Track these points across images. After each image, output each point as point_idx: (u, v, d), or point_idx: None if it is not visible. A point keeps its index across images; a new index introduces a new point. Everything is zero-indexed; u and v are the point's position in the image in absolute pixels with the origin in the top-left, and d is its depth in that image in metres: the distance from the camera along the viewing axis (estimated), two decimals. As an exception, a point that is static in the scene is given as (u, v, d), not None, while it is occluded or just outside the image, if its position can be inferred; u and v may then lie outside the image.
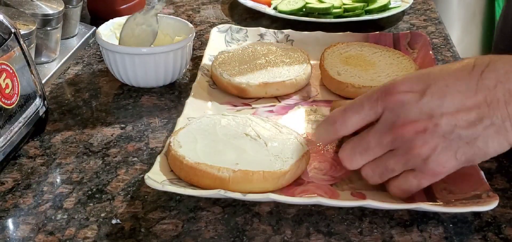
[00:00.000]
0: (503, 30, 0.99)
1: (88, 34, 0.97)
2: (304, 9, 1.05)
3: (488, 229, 0.56)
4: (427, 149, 0.52)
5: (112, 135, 0.71)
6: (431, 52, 0.83)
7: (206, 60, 0.83)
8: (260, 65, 0.80)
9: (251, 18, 1.08)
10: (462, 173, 0.60)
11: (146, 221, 0.56)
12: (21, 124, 0.64)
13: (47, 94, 0.76)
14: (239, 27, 0.92)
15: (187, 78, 0.85)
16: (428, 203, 0.56)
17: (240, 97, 0.77)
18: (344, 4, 1.06)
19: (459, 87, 0.52)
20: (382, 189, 0.60)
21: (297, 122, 0.72)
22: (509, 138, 0.51)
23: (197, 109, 0.72)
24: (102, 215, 0.57)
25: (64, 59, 0.88)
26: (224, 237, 0.55)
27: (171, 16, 0.88)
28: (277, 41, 0.90)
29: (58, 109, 0.76)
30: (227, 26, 0.92)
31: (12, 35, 0.64)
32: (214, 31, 0.91)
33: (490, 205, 0.54)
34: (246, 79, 0.76)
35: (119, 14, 0.93)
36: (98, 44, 0.83)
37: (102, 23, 0.84)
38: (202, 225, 0.56)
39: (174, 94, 0.81)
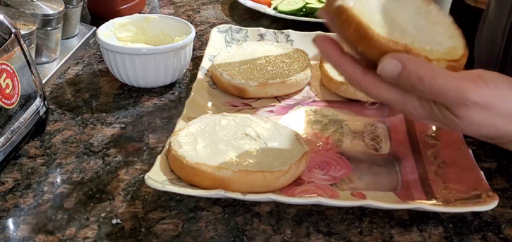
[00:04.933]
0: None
1: (88, 34, 0.97)
2: (304, 9, 1.05)
3: (488, 229, 0.56)
4: None
5: (112, 135, 0.71)
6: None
7: (206, 60, 0.83)
8: (260, 65, 0.80)
9: (251, 18, 1.08)
10: (462, 173, 0.60)
11: (146, 221, 0.56)
12: (21, 124, 0.64)
13: (47, 94, 0.76)
14: (239, 27, 0.92)
15: (187, 78, 0.85)
16: (428, 203, 0.56)
17: (240, 97, 0.77)
18: (344, 4, 1.06)
19: None
20: (382, 189, 0.60)
21: (297, 122, 0.72)
22: None
23: (197, 109, 0.72)
24: (102, 215, 0.57)
25: (65, 59, 0.88)
26: (224, 237, 0.55)
27: (171, 16, 0.88)
28: (277, 41, 0.90)
29: (58, 109, 0.76)
30: (227, 26, 0.92)
31: (13, 35, 0.64)
32: (214, 31, 0.91)
33: (489, 205, 0.54)
34: (246, 79, 0.76)
35: (119, 14, 0.93)
36: (98, 44, 0.83)
37: (102, 23, 0.84)
38: (202, 225, 0.56)
39: (174, 94, 0.81)
